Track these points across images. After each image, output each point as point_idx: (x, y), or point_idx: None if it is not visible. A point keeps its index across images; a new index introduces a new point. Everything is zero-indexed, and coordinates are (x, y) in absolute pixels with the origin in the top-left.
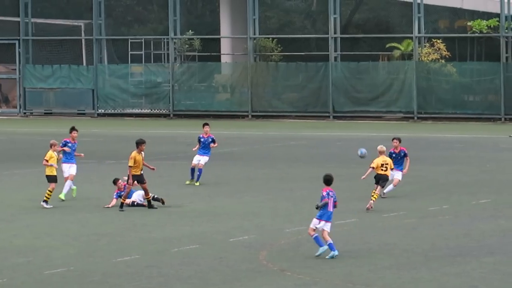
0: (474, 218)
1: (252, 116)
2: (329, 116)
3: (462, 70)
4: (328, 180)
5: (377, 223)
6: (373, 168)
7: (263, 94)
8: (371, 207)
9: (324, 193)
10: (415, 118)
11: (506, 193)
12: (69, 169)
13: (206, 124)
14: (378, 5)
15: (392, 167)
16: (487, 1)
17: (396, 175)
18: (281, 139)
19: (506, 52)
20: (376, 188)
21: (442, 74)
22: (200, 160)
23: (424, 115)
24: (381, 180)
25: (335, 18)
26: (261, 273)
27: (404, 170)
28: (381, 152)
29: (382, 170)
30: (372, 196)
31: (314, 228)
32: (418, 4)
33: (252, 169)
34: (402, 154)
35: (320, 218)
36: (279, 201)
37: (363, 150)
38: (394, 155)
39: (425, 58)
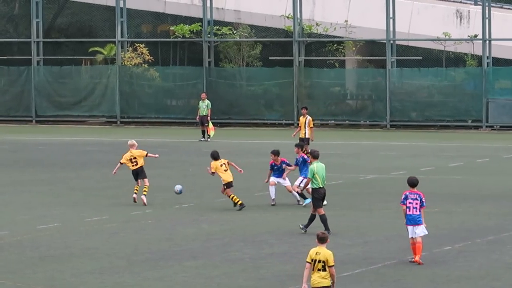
0: (177, 222)
1: None
2: (32, 121)
3: (165, 75)
4: None
5: (79, 227)
6: (121, 163)
7: None
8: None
9: None
10: (118, 122)
11: (208, 197)
12: None
13: None
14: (81, 10)
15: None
16: (190, 6)
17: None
18: None
19: (209, 57)
20: (139, 183)
21: (145, 79)
22: None
23: (127, 119)
24: (139, 175)
25: (37, 22)
26: None
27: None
28: (131, 146)
29: (132, 165)
30: (135, 191)
31: None
32: (121, 8)
33: None
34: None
35: None
36: None
37: (178, 188)
38: (275, 167)
39: (128, 63)
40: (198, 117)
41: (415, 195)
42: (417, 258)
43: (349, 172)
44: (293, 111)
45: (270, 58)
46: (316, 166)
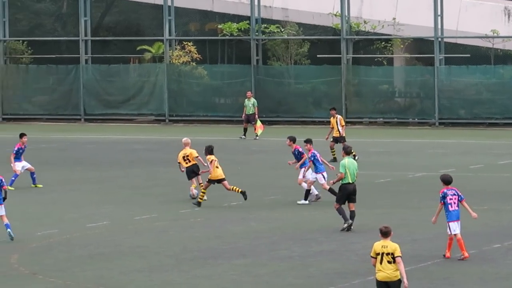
0: (225, 221)
1: (3, 119)
2: (80, 119)
3: (213, 73)
4: None
5: (129, 225)
6: (179, 162)
7: (14, 97)
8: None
9: None
10: (167, 120)
11: (256, 196)
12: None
13: (24, 134)
14: (128, 8)
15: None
16: (238, 4)
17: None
18: (32, 142)
19: (257, 55)
20: (193, 181)
21: (193, 77)
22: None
23: (176, 118)
24: (194, 172)
25: (85, 21)
26: (12, 277)
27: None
28: (185, 144)
29: (185, 162)
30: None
31: None
32: (169, 6)
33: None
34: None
35: None
36: (30, 204)
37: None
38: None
39: (176, 61)
40: (244, 115)
41: (453, 191)
42: (466, 253)
43: (398, 170)
44: (342, 109)
45: (318, 56)
46: (348, 162)
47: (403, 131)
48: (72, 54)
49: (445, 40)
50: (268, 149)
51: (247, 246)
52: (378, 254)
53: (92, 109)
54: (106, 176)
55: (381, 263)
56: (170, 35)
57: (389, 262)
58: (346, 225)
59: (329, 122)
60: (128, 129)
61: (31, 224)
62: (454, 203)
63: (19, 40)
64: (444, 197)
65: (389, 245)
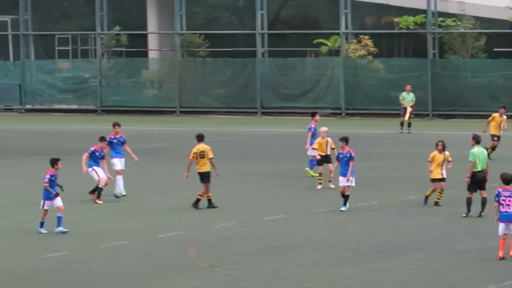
0: (402, 214)
1: (180, 112)
2: (257, 112)
3: (389, 66)
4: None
5: (306, 219)
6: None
7: (191, 90)
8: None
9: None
10: (343, 114)
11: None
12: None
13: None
14: (305, 1)
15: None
16: None
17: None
18: (209, 135)
19: (433, 49)
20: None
21: (370, 70)
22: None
23: (352, 111)
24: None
25: (262, 14)
26: (190, 269)
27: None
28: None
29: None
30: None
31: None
32: (345, 0)
33: (180, 165)
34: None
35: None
36: None
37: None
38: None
39: (353, 54)
40: (403, 109)
41: (509, 192)
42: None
43: None
44: None
45: (494, 49)
46: (477, 150)
47: None
48: (249, 48)
49: None
50: (446, 143)
51: (423, 240)
52: None
53: (269, 102)
54: (283, 169)
55: None
56: (346, 28)
57: None
58: (464, 215)
59: (507, 115)
60: (305, 122)
61: (209, 217)
62: (508, 204)
63: (196, 34)
64: (498, 195)
65: None
